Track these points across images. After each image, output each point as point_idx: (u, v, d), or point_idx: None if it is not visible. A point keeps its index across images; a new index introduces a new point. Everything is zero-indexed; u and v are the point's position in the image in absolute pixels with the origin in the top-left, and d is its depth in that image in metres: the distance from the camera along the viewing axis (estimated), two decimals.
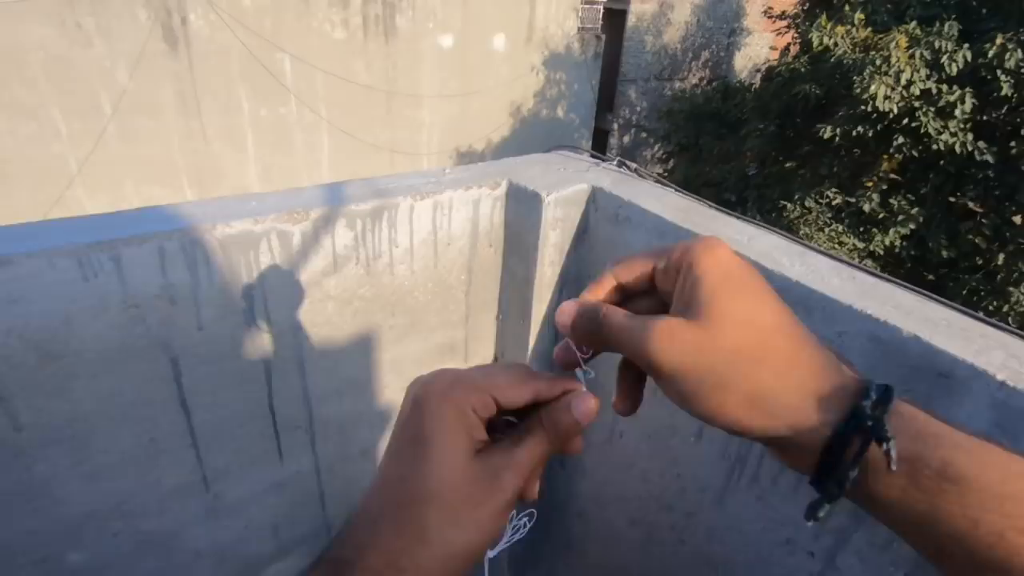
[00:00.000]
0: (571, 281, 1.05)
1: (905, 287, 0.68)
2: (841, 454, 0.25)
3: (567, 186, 0.94)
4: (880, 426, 0.24)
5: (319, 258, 0.85)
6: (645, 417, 0.98)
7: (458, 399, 0.28)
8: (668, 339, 0.27)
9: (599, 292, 0.32)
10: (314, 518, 1.07)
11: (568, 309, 0.32)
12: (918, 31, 5.37)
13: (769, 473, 0.77)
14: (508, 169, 1.01)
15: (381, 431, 1.09)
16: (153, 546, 0.90)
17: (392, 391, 1.07)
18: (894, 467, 0.23)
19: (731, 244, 0.75)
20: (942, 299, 0.65)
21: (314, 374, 0.94)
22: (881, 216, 6.18)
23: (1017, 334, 0.58)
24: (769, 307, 0.27)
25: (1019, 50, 4.98)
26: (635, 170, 1.00)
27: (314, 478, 1.03)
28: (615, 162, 1.02)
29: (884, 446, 0.24)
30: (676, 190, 0.94)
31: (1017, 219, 5.77)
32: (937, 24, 5.34)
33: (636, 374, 0.33)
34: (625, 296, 0.32)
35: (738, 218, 0.84)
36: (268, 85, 7.99)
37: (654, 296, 0.32)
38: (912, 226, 5.97)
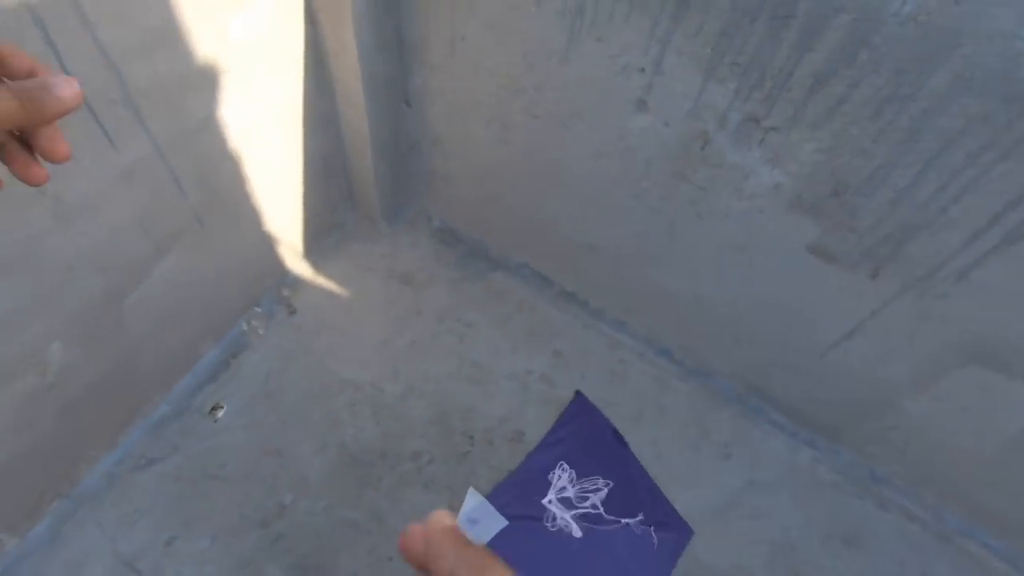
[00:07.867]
0: None
1: None
2: None
3: None
4: None
5: None
6: (483, 13, 0.99)
7: None
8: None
9: None
10: (178, 209, 1.01)
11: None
12: None
13: (606, 11, 0.88)
14: None
15: (212, 97, 0.97)
16: (10, 271, 0.79)
17: (208, 45, 0.92)
18: None
19: None
20: None
21: (103, 22, 0.75)
22: None
23: None
24: None
25: None
26: None
27: (159, 162, 0.93)
28: None
29: None
30: None
31: None
32: None
33: None
34: None
35: None
36: None
37: None
38: None
